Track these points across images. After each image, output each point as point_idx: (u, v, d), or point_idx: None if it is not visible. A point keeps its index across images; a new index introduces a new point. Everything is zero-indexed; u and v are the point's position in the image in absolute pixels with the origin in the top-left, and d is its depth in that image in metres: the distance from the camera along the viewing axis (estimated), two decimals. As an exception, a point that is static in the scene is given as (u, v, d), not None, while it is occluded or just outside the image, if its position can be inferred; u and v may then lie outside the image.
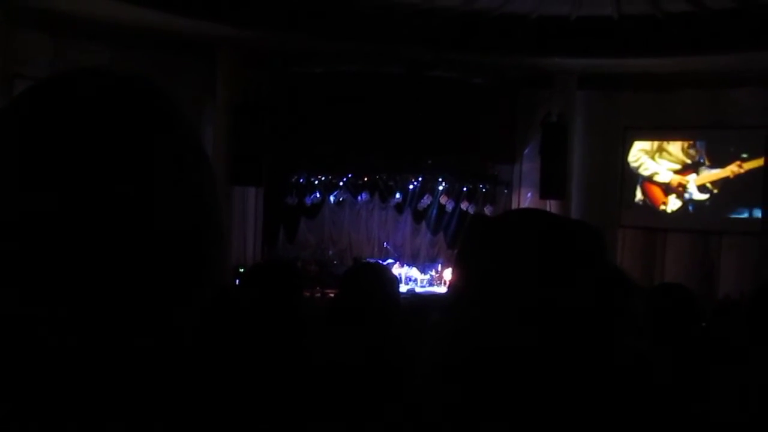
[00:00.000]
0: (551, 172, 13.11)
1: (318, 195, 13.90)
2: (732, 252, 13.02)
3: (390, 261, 13.70)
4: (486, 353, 1.10)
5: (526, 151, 13.91)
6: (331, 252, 14.29)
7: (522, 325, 1.08)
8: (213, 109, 12.40)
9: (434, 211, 14.29)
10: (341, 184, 13.95)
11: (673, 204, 13.57)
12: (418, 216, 14.45)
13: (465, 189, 14.03)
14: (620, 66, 12.78)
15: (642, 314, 2.98)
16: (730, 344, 3.02)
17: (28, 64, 10.41)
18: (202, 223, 0.74)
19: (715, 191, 13.22)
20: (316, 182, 13.80)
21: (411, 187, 14.13)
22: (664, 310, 2.95)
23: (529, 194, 13.98)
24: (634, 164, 13.81)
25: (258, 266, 3.36)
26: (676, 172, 13.52)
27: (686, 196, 13.43)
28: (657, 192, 13.70)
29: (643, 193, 13.77)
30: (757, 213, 12.90)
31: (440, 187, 14.07)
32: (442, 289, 12.67)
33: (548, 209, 13.20)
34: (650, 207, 13.72)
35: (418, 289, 12.94)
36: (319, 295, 11.45)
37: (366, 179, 13.92)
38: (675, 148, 13.57)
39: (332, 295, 10.48)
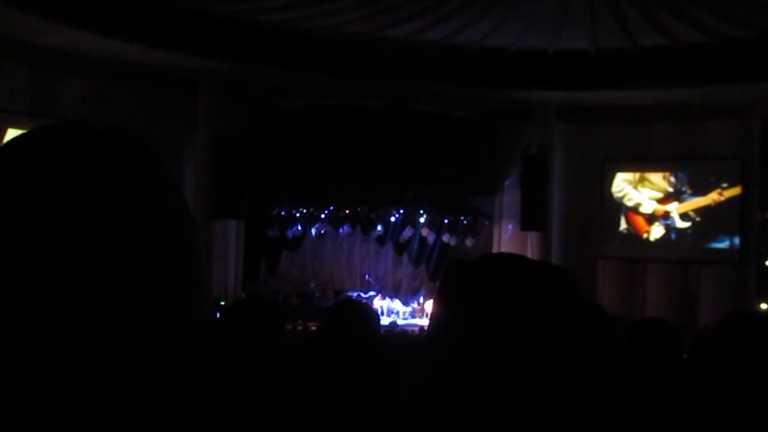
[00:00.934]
0: (532, 203, 13.18)
1: (299, 227, 13.87)
2: (711, 282, 13.11)
3: (372, 293, 13.67)
4: (460, 394, 1.10)
5: (507, 182, 13.98)
6: (312, 284, 14.23)
7: (496, 366, 1.08)
8: (194, 142, 12.39)
9: (416, 243, 14.29)
10: (323, 216, 13.94)
11: (656, 232, 13.66)
12: (400, 248, 14.44)
13: (446, 221, 14.06)
14: (598, 99, 12.95)
15: (625, 348, 2.99)
16: (707, 379, 3.03)
17: (7, 98, 10.36)
18: (183, 278, 0.74)
19: (697, 219, 13.33)
20: (298, 215, 13.78)
21: (392, 219, 14.14)
22: (647, 346, 2.97)
23: (510, 226, 14.03)
24: (618, 194, 13.91)
25: (239, 305, 3.34)
26: (659, 200, 13.62)
27: (669, 223, 13.53)
28: (640, 221, 13.80)
29: (627, 222, 13.86)
30: (736, 242, 13.02)
31: (421, 219, 14.09)
32: (424, 322, 12.63)
33: (529, 241, 13.34)
34: (634, 236, 13.80)
35: (400, 322, 12.90)
36: (301, 328, 11.39)
37: (347, 212, 13.92)
38: (657, 177, 13.71)
39: (314, 328, 10.43)
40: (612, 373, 2.87)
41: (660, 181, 13.66)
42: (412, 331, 12.12)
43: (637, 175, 13.84)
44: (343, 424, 2.17)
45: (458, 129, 13.33)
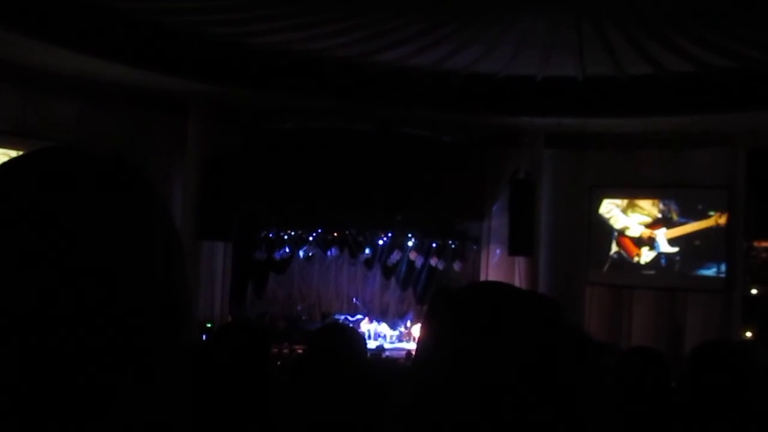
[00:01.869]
0: (519, 229, 13.20)
1: (287, 250, 13.84)
2: (698, 309, 13.14)
3: (359, 316, 13.64)
4: (447, 423, 1.11)
5: (495, 207, 14.02)
6: (299, 307, 14.19)
7: (482, 394, 1.09)
8: (183, 164, 12.37)
9: (403, 267, 14.30)
10: (311, 239, 13.93)
11: (646, 256, 13.69)
12: (388, 271, 14.44)
13: (434, 245, 14.08)
14: (585, 125, 13.05)
15: (610, 376, 3.00)
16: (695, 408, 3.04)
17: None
18: (170, 301, 0.75)
19: (685, 245, 13.38)
20: (286, 237, 13.76)
21: (380, 242, 14.15)
22: (636, 375, 2.97)
23: (498, 251, 14.04)
24: (606, 216, 13.95)
25: (224, 328, 3.33)
26: (648, 225, 13.67)
27: (656, 247, 13.57)
28: (629, 244, 13.84)
29: (618, 245, 13.89)
30: (723, 270, 13.07)
31: (409, 243, 14.11)
32: (411, 346, 12.60)
33: (517, 266, 13.36)
34: (625, 259, 13.82)
35: (387, 345, 12.87)
36: (287, 350, 11.34)
37: (335, 234, 13.92)
38: (646, 203, 13.77)
39: (300, 351, 10.38)
40: (597, 401, 2.87)
41: (649, 207, 13.73)
42: (399, 357, 12.06)
43: (626, 201, 13.90)
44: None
45: (447, 153, 13.39)
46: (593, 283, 13.94)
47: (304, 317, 13.83)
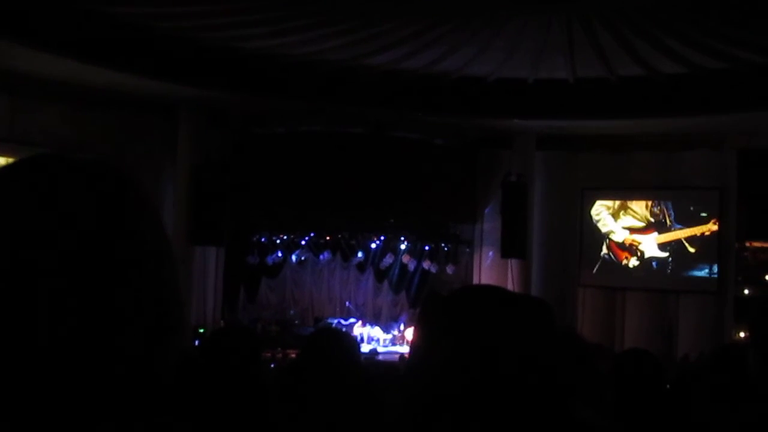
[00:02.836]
0: (512, 231, 13.23)
1: (279, 254, 13.82)
2: (690, 311, 13.18)
3: (352, 320, 13.62)
4: (440, 426, 1.11)
5: (487, 210, 14.04)
6: (292, 312, 14.16)
7: (476, 398, 1.09)
8: (174, 169, 12.34)
9: (396, 271, 14.30)
10: (303, 243, 13.90)
11: (633, 260, 13.72)
12: (380, 275, 14.43)
13: (427, 248, 14.08)
14: (577, 127, 13.08)
15: (604, 378, 3.00)
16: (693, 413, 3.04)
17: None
18: (161, 306, 0.74)
19: (676, 249, 13.41)
20: (278, 241, 13.74)
21: (373, 246, 14.14)
22: (630, 377, 2.97)
23: (490, 253, 14.06)
24: (596, 218, 13.97)
25: (217, 334, 3.32)
26: (641, 229, 13.68)
27: (643, 254, 13.60)
28: (616, 248, 13.87)
29: (608, 248, 13.91)
30: (715, 271, 13.10)
31: (402, 246, 14.10)
32: (405, 349, 12.59)
33: (509, 268, 13.38)
34: (615, 262, 13.85)
35: (380, 349, 12.85)
36: (280, 355, 11.31)
37: (328, 238, 13.90)
38: (639, 206, 13.80)
39: (293, 355, 10.37)
40: (591, 403, 2.87)
41: (642, 210, 13.75)
42: (393, 360, 12.05)
43: (617, 203, 13.93)
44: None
45: (439, 156, 13.40)
46: (585, 285, 13.96)
47: (296, 321, 13.80)
